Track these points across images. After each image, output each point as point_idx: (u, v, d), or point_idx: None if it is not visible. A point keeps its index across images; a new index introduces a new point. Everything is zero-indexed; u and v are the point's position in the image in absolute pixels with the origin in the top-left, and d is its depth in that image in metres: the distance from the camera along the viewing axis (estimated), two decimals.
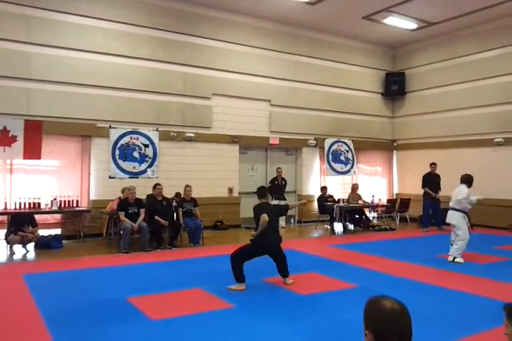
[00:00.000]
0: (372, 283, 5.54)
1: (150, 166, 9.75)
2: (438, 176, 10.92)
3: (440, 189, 10.79)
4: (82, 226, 8.79)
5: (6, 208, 8.34)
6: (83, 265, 6.69)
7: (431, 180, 10.83)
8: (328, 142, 12.32)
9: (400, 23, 11.31)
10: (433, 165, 10.97)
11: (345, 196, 11.49)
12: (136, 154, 9.63)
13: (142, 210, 8.09)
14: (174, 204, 8.66)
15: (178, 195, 9.08)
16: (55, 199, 8.58)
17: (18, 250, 7.65)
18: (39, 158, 8.50)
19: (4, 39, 8.36)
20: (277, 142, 11.58)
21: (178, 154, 10.15)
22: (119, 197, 8.55)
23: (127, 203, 8.02)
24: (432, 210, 10.84)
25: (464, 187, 7.15)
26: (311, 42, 12.10)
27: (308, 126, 12.07)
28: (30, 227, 7.81)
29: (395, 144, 13.80)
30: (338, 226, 10.93)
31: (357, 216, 11.12)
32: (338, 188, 12.83)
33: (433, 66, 12.65)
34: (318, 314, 4.45)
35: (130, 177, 9.46)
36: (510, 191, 10.31)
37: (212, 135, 10.57)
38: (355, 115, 12.97)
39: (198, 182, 9.68)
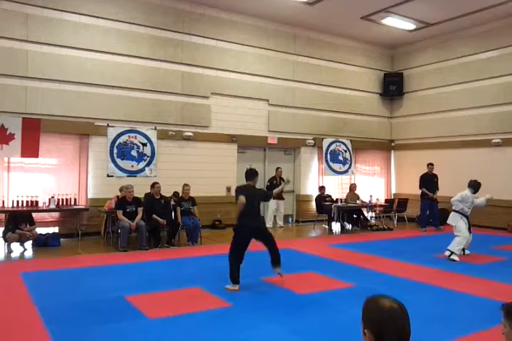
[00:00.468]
0: (370, 283, 5.55)
1: (148, 165, 9.75)
2: (435, 176, 10.95)
3: (438, 189, 10.83)
4: (80, 225, 8.78)
5: (3, 206, 8.31)
6: (81, 263, 6.69)
7: (428, 180, 10.86)
8: (326, 142, 12.34)
9: (398, 23, 11.33)
10: (430, 165, 10.99)
11: (344, 196, 11.51)
12: (134, 153, 9.62)
13: (140, 209, 8.08)
14: (172, 203, 8.66)
15: (176, 193, 9.08)
16: (52, 197, 8.57)
17: (16, 248, 7.64)
18: (37, 156, 8.50)
19: (2, 37, 8.33)
20: (275, 142, 11.58)
21: (177, 153, 10.15)
22: (117, 196, 8.54)
23: (125, 202, 8.02)
24: (430, 210, 10.87)
25: (466, 191, 7.29)
26: (310, 42, 12.11)
27: (306, 125, 12.08)
28: (28, 225, 7.80)
29: (393, 144, 13.83)
30: (336, 226, 10.94)
31: (355, 216, 11.13)
32: (336, 188, 12.84)
33: (431, 67, 12.68)
34: (315, 313, 4.45)
35: (128, 176, 9.45)
36: (508, 191, 10.34)
37: (210, 134, 10.58)
38: (354, 115, 12.99)
39: (196, 181, 9.68)
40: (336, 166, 12.50)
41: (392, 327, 1.58)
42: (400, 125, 13.64)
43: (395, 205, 11.79)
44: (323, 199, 11.17)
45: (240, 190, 5.61)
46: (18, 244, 7.69)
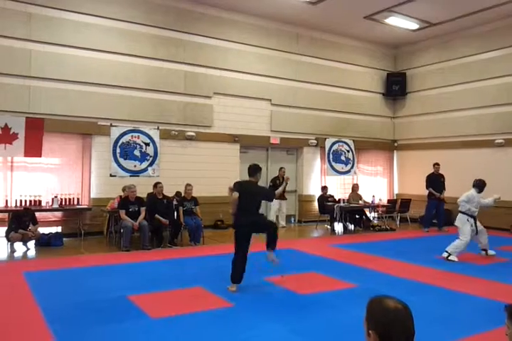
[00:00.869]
0: (372, 283, 5.55)
1: (151, 165, 9.77)
2: (442, 176, 10.91)
3: (445, 189, 10.78)
4: (82, 225, 8.80)
5: (6, 206, 8.34)
6: (84, 263, 6.70)
7: (435, 181, 10.82)
8: (328, 142, 12.33)
9: (401, 23, 11.31)
10: (436, 165, 10.96)
11: (346, 196, 11.49)
12: (137, 152, 9.64)
13: (143, 209, 8.09)
14: (175, 202, 8.67)
15: (178, 193, 9.09)
16: (55, 197, 8.59)
17: (19, 248, 7.65)
18: (40, 155, 8.52)
19: (5, 36, 8.36)
20: (278, 141, 11.58)
21: (179, 153, 10.16)
22: (120, 196, 8.55)
23: (128, 201, 8.03)
24: (436, 211, 10.83)
25: (471, 191, 7.28)
26: (312, 42, 12.10)
27: (309, 125, 12.07)
28: (31, 225, 7.81)
29: (395, 144, 13.80)
30: (339, 226, 10.93)
31: (357, 216, 11.12)
32: (339, 188, 12.82)
33: (434, 66, 12.65)
34: (317, 314, 4.45)
35: (131, 176, 9.47)
36: (511, 192, 10.30)
37: (213, 134, 10.58)
38: (356, 115, 12.97)
39: (198, 181, 9.68)
40: (339, 166, 12.49)
41: (399, 328, 1.58)
42: (402, 125, 13.62)
43: (397, 206, 11.77)
44: (325, 199, 11.16)
45: (237, 185, 5.56)
46: (21, 243, 7.70)
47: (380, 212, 11.69)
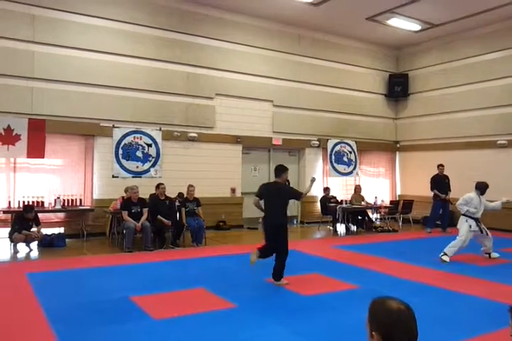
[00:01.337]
0: (375, 285, 5.54)
1: (153, 166, 9.78)
2: (446, 177, 10.89)
3: (450, 190, 10.76)
4: (85, 225, 8.82)
5: (9, 207, 8.36)
6: (86, 264, 6.71)
7: (439, 182, 10.80)
8: (331, 143, 12.33)
9: (403, 24, 11.30)
10: (440, 166, 10.94)
11: (348, 197, 11.48)
12: (139, 154, 9.65)
13: (145, 210, 8.10)
14: (177, 203, 8.68)
15: (180, 194, 9.10)
16: (58, 198, 8.62)
17: (22, 248, 7.67)
18: (42, 156, 8.55)
19: (9, 38, 8.38)
20: (280, 143, 11.58)
21: (181, 154, 10.17)
22: (122, 197, 8.57)
23: (130, 202, 8.04)
24: (442, 212, 10.81)
25: (470, 193, 7.29)
26: (314, 43, 12.10)
27: (311, 126, 12.07)
28: (34, 226, 7.83)
29: (398, 145, 13.79)
30: (341, 228, 10.92)
31: (360, 217, 11.11)
32: (341, 189, 12.82)
33: (436, 67, 12.64)
34: (320, 315, 4.45)
35: (133, 177, 9.48)
36: None
37: (215, 135, 10.59)
38: (358, 116, 12.97)
39: (200, 182, 9.70)
40: (341, 167, 12.49)
41: (402, 329, 1.58)
42: (405, 126, 13.60)
43: (400, 207, 11.76)
44: (327, 200, 11.15)
45: (260, 187, 5.85)
46: (24, 244, 7.71)
47: (382, 213, 11.68)
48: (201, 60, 10.40)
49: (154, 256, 7.40)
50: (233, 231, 10.35)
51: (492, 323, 3.98)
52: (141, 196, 8.22)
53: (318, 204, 11.58)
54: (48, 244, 7.94)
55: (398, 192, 13.73)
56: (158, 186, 8.43)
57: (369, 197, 11.55)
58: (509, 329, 1.87)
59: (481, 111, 11.51)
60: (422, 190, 11.16)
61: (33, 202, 8.42)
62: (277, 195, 5.64)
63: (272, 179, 11.13)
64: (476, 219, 7.20)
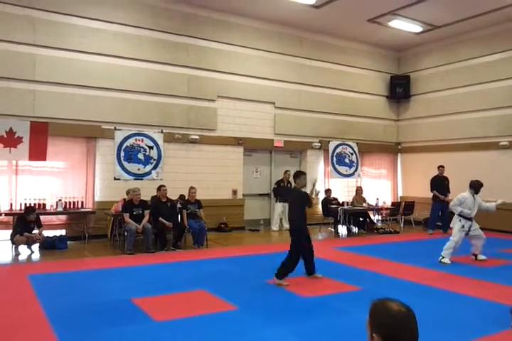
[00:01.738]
0: (376, 286, 5.54)
1: (155, 168, 9.79)
2: (446, 179, 10.89)
3: (449, 191, 10.75)
4: (86, 228, 8.82)
5: (11, 209, 8.37)
6: (88, 266, 6.72)
7: (439, 183, 10.80)
8: (332, 145, 12.33)
9: (405, 26, 11.31)
10: (441, 167, 10.95)
11: (350, 199, 11.47)
12: (140, 156, 9.67)
13: (147, 212, 8.11)
14: (179, 205, 8.68)
15: (182, 196, 9.10)
16: (60, 200, 8.62)
17: (24, 251, 7.68)
18: (44, 159, 8.56)
19: (10, 41, 8.41)
20: (282, 144, 11.58)
21: (183, 156, 10.18)
22: (124, 199, 8.58)
23: (132, 204, 8.05)
24: (441, 213, 10.80)
25: (464, 193, 7.29)
26: (316, 45, 12.11)
27: (312, 128, 12.07)
28: (36, 228, 7.84)
29: (399, 147, 13.79)
30: (343, 229, 10.92)
31: (361, 219, 11.10)
32: (343, 191, 12.81)
33: (438, 69, 12.64)
34: (321, 316, 4.44)
35: (135, 179, 9.50)
36: None
37: (216, 137, 10.60)
38: (360, 118, 12.97)
39: (202, 184, 9.71)
40: (342, 169, 12.48)
41: (403, 331, 1.57)
42: (406, 128, 13.60)
43: (401, 208, 11.74)
44: (329, 202, 11.14)
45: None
46: (26, 246, 7.73)
47: (384, 214, 11.68)
48: (203, 62, 10.41)
49: (156, 258, 7.41)
50: (235, 233, 10.35)
51: (494, 325, 3.96)
52: (142, 198, 8.23)
53: (320, 206, 11.57)
54: (49, 246, 7.95)
55: (400, 194, 13.71)
56: (159, 188, 8.44)
57: (370, 198, 11.55)
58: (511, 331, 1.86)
59: (482, 113, 11.50)
60: (424, 191, 11.15)
61: (34, 204, 8.43)
62: (291, 200, 6.02)
63: (274, 181, 11.29)
64: (470, 220, 7.18)
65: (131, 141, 9.55)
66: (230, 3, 10.16)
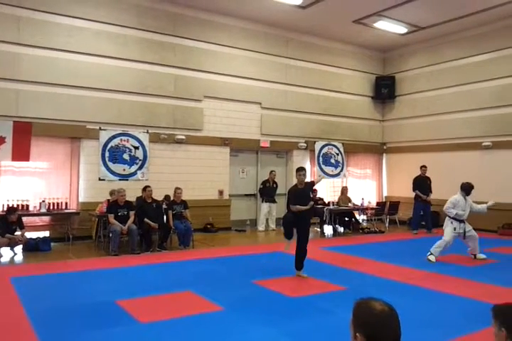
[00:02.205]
0: (362, 286, 5.57)
1: (140, 168, 9.70)
2: (428, 179, 11.01)
3: (431, 191, 10.88)
4: (71, 229, 8.72)
5: None
6: (72, 268, 6.64)
7: (421, 183, 10.91)
8: (318, 145, 12.34)
9: (390, 27, 11.40)
10: (423, 167, 11.06)
11: (335, 199, 11.53)
12: (126, 156, 9.57)
13: (132, 213, 8.04)
14: (164, 206, 8.63)
15: (167, 197, 9.05)
16: (43, 201, 8.51)
17: (6, 253, 7.55)
18: (28, 159, 8.42)
19: None
20: (268, 145, 11.59)
21: (169, 156, 10.12)
22: (108, 200, 8.50)
23: (117, 205, 7.98)
24: (423, 213, 10.91)
25: (456, 195, 7.37)
26: (302, 46, 12.15)
27: (298, 128, 12.10)
28: (18, 229, 7.72)
29: (384, 147, 13.90)
30: (328, 229, 10.96)
31: (347, 218, 11.16)
32: (329, 191, 12.86)
33: (423, 70, 12.77)
34: (307, 316, 4.45)
35: (120, 180, 9.40)
36: (498, 194, 10.39)
37: (203, 137, 10.56)
38: (346, 118, 13.04)
39: (188, 185, 9.67)
40: (328, 169, 12.51)
41: (385, 330, 1.58)
42: (391, 128, 13.71)
43: (386, 208, 11.83)
44: (315, 202, 11.15)
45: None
46: (8, 248, 7.60)
47: (369, 214, 11.75)
48: (189, 62, 10.37)
49: (141, 259, 7.35)
50: (221, 234, 10.32)
51: (477, 323, 4.02)
52: (128, 199, 8.16)
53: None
54: (32, 247, 7.83)
55: (385, 194, 13.83)
56: (145, 189, 8.38)
57: (356, 198, 11.61)
58: (493, 329, 1.89)
59: (466, 113, 11.64)
60: (408, 191, 11.25)
61: (17, 205, 8.31)
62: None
63: (260, 181, 11.28)
64: (462, 221, 7.27)
65: (116, 141, 9.46)
66: (216, 3, 10.13)
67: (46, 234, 8.61)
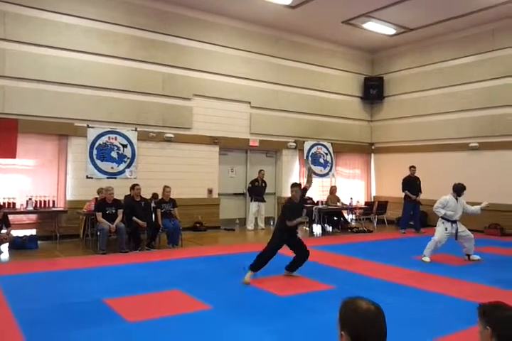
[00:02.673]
0: (350, 285, 5.60)
1: (128, 166, 9.66)
2: (418, 179, 11.09)
3: (421, 191, 10.96)
4: (58, 227, 8.64)
5: None
6: (59, 266, 6.59)
7: (411, 183, 10.99)
8: (307, 144, 12.41)
9: (378, 28, 11.47)
10: (412, 168, 11.14)
11: (324, 198, 11.58)
12: (114, 154, 9.52)
13: (120, 211, 8.00)
14: (153, 205, 8.59)
15: (155, 195, 9.02)
16: (30, 199, 8.42)
17: None
18: (14, 157, 8.35)
19: None
20: (257, 144, 11.59)
21: (157, 155, 10.08)
22: (96, 198, 8.44)
23: (105, 204, 7.93)
24: (412, 213, 10.99)
25: (446, 196, 7.40)
26: (292, 45, 12.17)
27: (288, 128, 12.12)
28: (4, 227, 7.63)
29: (373, 147, 13.98)
30: (317, 228, 11.00)
31: (335, 218, 11.21)
32: (317, 190, 12.90)
33: (411, 71, 12.87)
34: (295, 315, 4.46)
35: (108, 178, 9.35)
36: (484, 195, 10.50)
37: (192, 136, 10.53)
38: (335, 118, 13.09)
39: (177, 183, 9.62)
40: (317, 169, 12.57)
41: (371, 329, 1.59)
42: (380, 128, 13.80)
43: (374, 208, 11.91)
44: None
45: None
46: None
47: (357, 213, 11.83)
48: (179, 60, 10.33)
49: (129, 257, 7.31)
50: (210, 233, 10.30)
51: (463, 322, 4.06)
52: (116, 197, 8.11)
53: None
54: (19, 246, 7.75)
55: (373, 193, 13.92)
56: (133, 187, 8.33)
57: (344, 198, 11.67)
58: (478, 327, 1.91)
59: (454, 115, 11.76)
60: (396, 191, 11.33)
61: (3, 203, 8.21)
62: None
63: (249, 180, 11.29)
64: (453, 222, 7.31)
65: (104, 139, 9.40)
66: (207, 2, 10.10)
67: (33, 232, 8.53)
